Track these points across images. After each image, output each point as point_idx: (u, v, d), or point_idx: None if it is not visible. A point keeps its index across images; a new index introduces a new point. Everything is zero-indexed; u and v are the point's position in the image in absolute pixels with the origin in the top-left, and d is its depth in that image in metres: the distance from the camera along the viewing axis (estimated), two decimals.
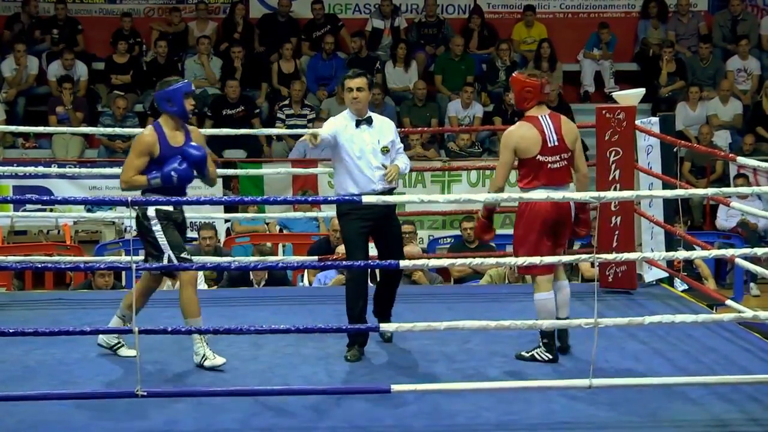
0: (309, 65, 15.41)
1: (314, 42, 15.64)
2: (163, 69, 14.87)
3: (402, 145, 7.33)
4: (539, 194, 6.65)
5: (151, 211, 6.62)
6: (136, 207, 6.56)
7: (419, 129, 13.75)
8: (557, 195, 6.48)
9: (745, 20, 16.09)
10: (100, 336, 6.88)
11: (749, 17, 16.18)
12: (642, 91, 8.99)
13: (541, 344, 6.87)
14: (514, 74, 7.05)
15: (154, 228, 6.64)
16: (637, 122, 8.70)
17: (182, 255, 6.67)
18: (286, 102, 14.54)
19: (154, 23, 15.80)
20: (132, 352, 6.56)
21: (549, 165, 6.83)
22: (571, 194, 6.82)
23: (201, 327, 6.44)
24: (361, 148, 7.03)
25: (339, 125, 7.07)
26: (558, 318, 6.93)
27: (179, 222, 6.81)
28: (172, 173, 6.59)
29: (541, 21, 16.16)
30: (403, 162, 7.16)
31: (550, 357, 6.86)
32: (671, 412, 5.97)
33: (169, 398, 5.99)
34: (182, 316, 6.67)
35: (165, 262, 6.63)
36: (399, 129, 7.48)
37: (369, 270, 7.77)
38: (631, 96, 8.80)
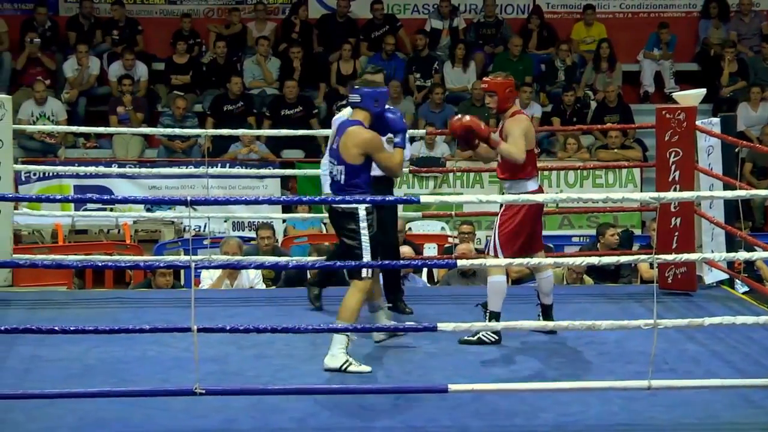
0: (368, 66, 15.42)
1: (373, 42, 15.65)
2: (222, 69, 14.98)
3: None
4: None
5: (361, 211, 6.68)
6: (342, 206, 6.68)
7: None
8: (617, 196, 6.46)
9: None
10: (326, 361, 6.67)
11: None
12: (703, 91, 8.92)
13: (489, 325, 7.06)
14: (487, 79, 7.40)
15: (361, 230, 6.70)
16: (698, 123, 8.63)
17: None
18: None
19: (212, 24, 15.89)
20: (366, 368, 6.58)
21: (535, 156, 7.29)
22: (630, 194, 6.80)
23: (352, 337, 6.57)
24: None
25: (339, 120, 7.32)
26: (545, 304, 7.38)
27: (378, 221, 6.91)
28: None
29: (600, 21, 16.08)
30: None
31: (496, 338, 7.14)
32: (731, 415, 5.92)
33: (226, 396, 6.02)
34: (337, 314, 6.66)
35: (362, 271, 6.64)
36: None
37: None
38: (691, 96, 8.74)
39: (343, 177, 6.77)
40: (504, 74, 7.45)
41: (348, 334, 6.56)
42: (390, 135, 7.00)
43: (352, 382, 6.39)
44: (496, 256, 7.18)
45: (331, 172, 6.92)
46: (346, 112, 7.50)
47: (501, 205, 7.30)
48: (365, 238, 6.69)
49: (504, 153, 7.15)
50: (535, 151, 7.22)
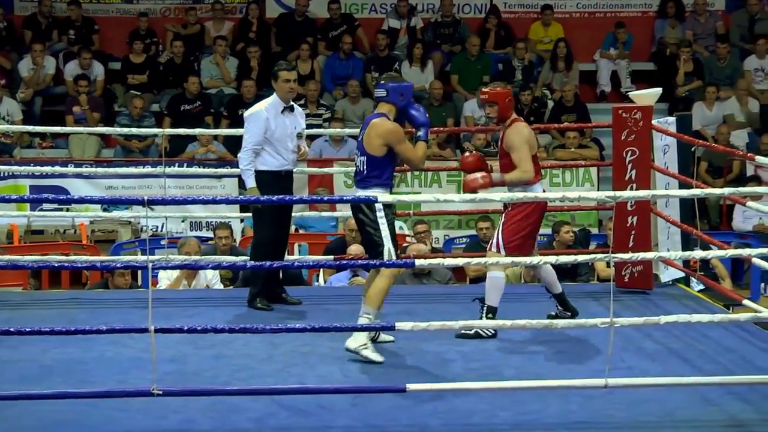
0: (326, 65, 15.42)
1: (331, 42, 15.64)
2: (180, 69, 14.92)
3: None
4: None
5: (378, 204, 6.93)
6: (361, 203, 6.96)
7: (435, 129, 13.68)
8: (573, 195, 6.48)
9: (763, 19, 16.04)
10: (348, 341, 6.86)
11: (767, 16, 16.13)
12: (659, 90, 8.97)
13: (486, 320, 7.26)
14: (487, 90, 7.57)
15: (379, 220, 6.97)
16: (654, 122, 8.69)
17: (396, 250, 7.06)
18: (302, 102, 14.55)
19: (169, 23, 15.82)
20: (379, 357, 6.79)
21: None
22: (587, 193, 6.85)
23: (373, 321, 6.80)
24: (281, 132, 8.03)
25: (270, 112, 8.05)
26: (555, 293, 7.75)
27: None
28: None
29: (557, 20, 16.13)
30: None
31: (493, 333, 7.30)
32: (688, 412, 5.96)
33: (185, 397, 6.00)
34: (364, 301, 6.94)
35: (385, 253, 6.95)
36: None
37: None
38: (647, 95, 8.79)
39: (365, 168, 7.03)
40: (502, 84, 7.80)
41: (370, 315, 6.85)
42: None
43: (312, 382, 6.39)
44: (498, 252, 7.42)
45: (356, 164, 7.18)
46: (262, 104, 8.13)
47: (505, 206, 7.49)
48: (383, 227, 6.97)
49: (515, 182, 7.41)
50: (537, 155, 7.49)
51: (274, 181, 8.12)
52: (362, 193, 7.02)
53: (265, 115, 8.09)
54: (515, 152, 7.39)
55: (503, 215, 7.51)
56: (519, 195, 6.97)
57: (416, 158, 7.11)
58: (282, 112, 8.15)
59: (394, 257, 6.98)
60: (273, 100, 8.20)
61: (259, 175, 8.05)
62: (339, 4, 15.80)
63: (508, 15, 16.25)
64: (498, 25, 15.92)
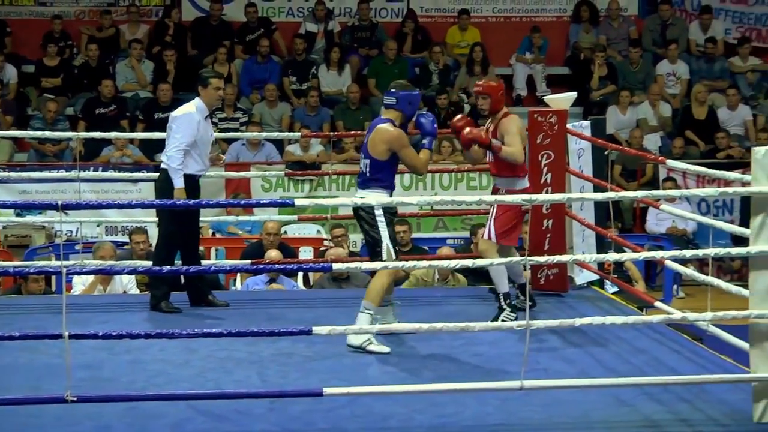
0: (243, 69, 15.36)
1: (247, 45, 15.59)
2: (94, 72, 14.78)
3: None
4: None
5: (378, 207, 7.15)
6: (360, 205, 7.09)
7: (353, 132, 13.70)
8: (490, 198, 6.54)
9: (674, 25, 16.28)
10: (349, 337, 7.07)
11: (678, 22, 16.37)
12: (573, 95, 9.06)
13: (505, 307, 7.68)
14: (481, 83, 7.92)
15: (377, 219, 7.17)
16: (569, 126, 8.77)
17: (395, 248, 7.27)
18: (219, 105, 14.47)
19: (83, 26, 15.67)
20: (385, 348, 7.02)
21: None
22: (502, 197, 6.94)
23: (375, 317, 7.01)
24: (204, 137, 8.17)
25: (197, 117, 8.13)
26: (520, 284, 7.99)
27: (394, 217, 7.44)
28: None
29: (474, 25, 16.23)
30: None
31: (516, 316, 7.57)
32: (603, 413, 6.01)
33: (100, 403, 5.94)
34: (366, 295, 7.13)
35: (383, 251, 7.14)
36: (333, 132, 7.85)
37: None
38: (562, 100, 8.87)
39: (368, 170, 7.28)
40: (496, 78, 8.18)
41: (371, 312, 7.05)
42: None
43: (229, 386, 6.35)
44: (489, 239, 7.75)
45: (359, 166, 7.42)
46: (191, 106, 8.17)
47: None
48: (382, 225, 7.17)
49: (507, 156, 7.67)
50: (526, 149, 7.89)
51: (194, 184, 8.14)
52: (362, 194, 7.27)
53: (197, 118, 8.15)
54: (509, 137, 7.69)
55: (494, 206, 7.77)
56: (436, 199, 6.97)
57: (419, 164, 7.36)
58: (205, 117, 8.23)
59: (393, 256, 7.16)
60: (198, 104, 8.24)
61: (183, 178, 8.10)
62: (256, 7, 15.76)
63: (425, 19, 16.32)
64: (415, 29, 15.98)
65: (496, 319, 7.60)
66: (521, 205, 7.71)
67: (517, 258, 6.59)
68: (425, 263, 6.68)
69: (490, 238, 7.77)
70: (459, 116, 7.97)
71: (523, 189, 7.82)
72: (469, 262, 6.36)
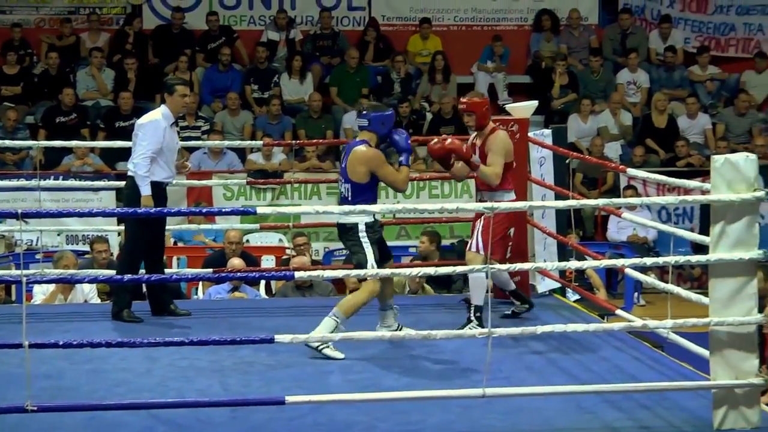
0: (204, 77, 15.33)
1: (209, 54, 15.55)
2: (55, 80, 14.70)
3: None
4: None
5: (361, 224, 7.21)
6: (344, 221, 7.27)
7: (314, 141, 13.74)
8: (451, 206, 6.55)
9: (634, 34, 16.37)
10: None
11: (638, 31, 16.46)
12: (535, 103, 9.10)
13: (474, 318, 7.66)
14: (465, 100, 7.94)
15: (362, 239, 7.23)
16: (530, 134, 8.80)
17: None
18: (180, 114, 14.41)
19: (44, 34, 15.58)
20: (339, 354, 7.06)
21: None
22: (465, 204, 6.96)
23: (342, 329, 6.94)
24: (171, 144, 8.18)
25: (163, 124, 8.13)
26: (510, 291, 8.19)
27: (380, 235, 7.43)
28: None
29: (436, 33, 16.25)
30: None
31: (483, 328, 7.27)
32: (564, 421, 6.03)
33: (61, 413, 5.90)
34: (339, 303, 7.19)
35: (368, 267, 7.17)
36: (295, 141, 7.86)
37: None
38: (524, 108, 8.90)
39: (349, 195, 7.30)
40: (479, 94, 8.25)
41: (338, 320, 7.08)
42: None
43: (191, 395, 6.33)
44: (477, 252, 7.72)
45: (339, 190, 7.44)
46: (156, 113, 8.19)
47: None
48: (367, 247, 7.22)
49: (482, 176, 7.75)
50: (512, 163, 7.87)
51: (162, 192, 8.14)
52: (347, 220, 7.28)
53: (163, 124, 8.14)
54: (492, 155, 7.75)
55: (481, 219, 7.76)
56: (398, 207, 7.04)
57: (399, 181, 7.33)
58: (171, 124, 8.23)
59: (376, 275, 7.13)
60: (164, 111, 8.24)
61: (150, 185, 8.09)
62: (217, 16, 15.74)
63: (386, 28, 16.33)
64: (377, 37, 16.00)
65: (461, 328, 7.59)
66: (507, 220, 7.80)
67: (478, 266, 6.59)
68: (388, 271, 6.65)
69: (477, 251, 7.75)
70: (441, 138, 7.94)
71: (509, 202, 7.80)
72: (431, 270, 6.37)
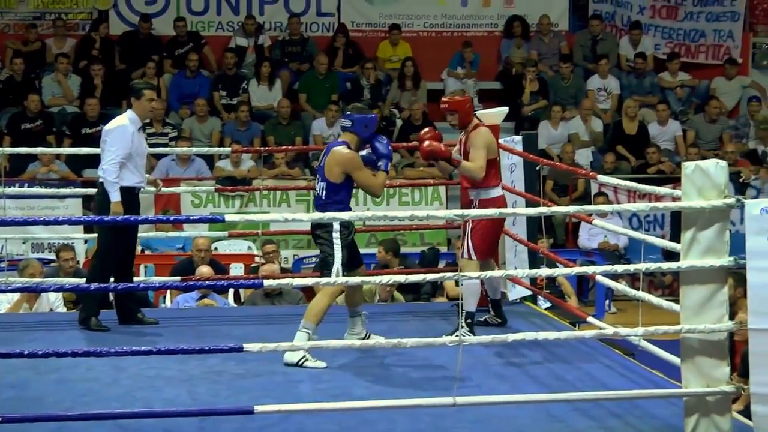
0: (172, 83, 15.24)
1: (177, 60, 15.47)
2: (20, 87, 14.58)
3: None
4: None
5: (336, 224, 7.18)
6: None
7: (283, 147, 13.65)
8: (422, 213, 6.51)
9: (605, 40, 16.40)
10: (286, 356, 7.11)
11: (608, 37, 16.49)
12: (505, 109, 9.07)
13: (464, 325, 7.54)
14: (447, 99, 8.01)
15: (334, 239, 7.19)
16: (501, 141, 8.77)
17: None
18: (148, 120, 14.32)
19: (8, 40, 15.45)
20: (321, 364, 7.05)
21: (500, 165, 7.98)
22: (435, 212, 6.92)
23: (313, 337, 6.98)
24: (139, 149, 8.16)
25: (131, 129, 8.12)
26: (493, 299, 8.18)
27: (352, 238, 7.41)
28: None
29: (405, 39, 16.22)
30: None
31: (474, 336, 7.41)
32: (535, 429, 6.00)
33: (26, 424, 5.81)
34: (305, 314, 7.13)
35: (333, 272, 7.15)
36: (264, 147, 7.80)
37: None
38: (494, 114, 8.86)
39: (324, 193, 7.29)
40: (461, 92, 8.21)
41: (309, 331, 7.06)
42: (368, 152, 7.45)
43: (159, 405, 6.26)
44: (470, 258, 7.66)
45: (315, 189, 7.43)
46: (123, 119, 8.16)
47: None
48: (337, 248, 7.19)
49: (464, 171, 7.78)
50: (497, 159, 7.94)
51: (133, 197, 8.11)
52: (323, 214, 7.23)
53: (131, 129, 8.12)
54: (474, 151, 7.73)
55: (468, 223, 7.73)
56: (368, 214, 7.00)
57: (374, 185, 7.38)
58: (138, 129, 8.20)
59: (340, 278, 7.11)
60: (131, 116, 8.23)
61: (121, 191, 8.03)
62: (185, 21, 15.66)
63: (356, 34, 16.29)
64: (346, 43, 15.95)
65: (452, 334, 7.52)
66: (496, 222, 7.82)
67: (450, 274, 6.55)
68: (358, 279, 6.59)
69: (470, 257, 7.72)
70: (426, 129, 8.07)
71: (496, 197, 7.84)
72: (401, 278, 6.31)
